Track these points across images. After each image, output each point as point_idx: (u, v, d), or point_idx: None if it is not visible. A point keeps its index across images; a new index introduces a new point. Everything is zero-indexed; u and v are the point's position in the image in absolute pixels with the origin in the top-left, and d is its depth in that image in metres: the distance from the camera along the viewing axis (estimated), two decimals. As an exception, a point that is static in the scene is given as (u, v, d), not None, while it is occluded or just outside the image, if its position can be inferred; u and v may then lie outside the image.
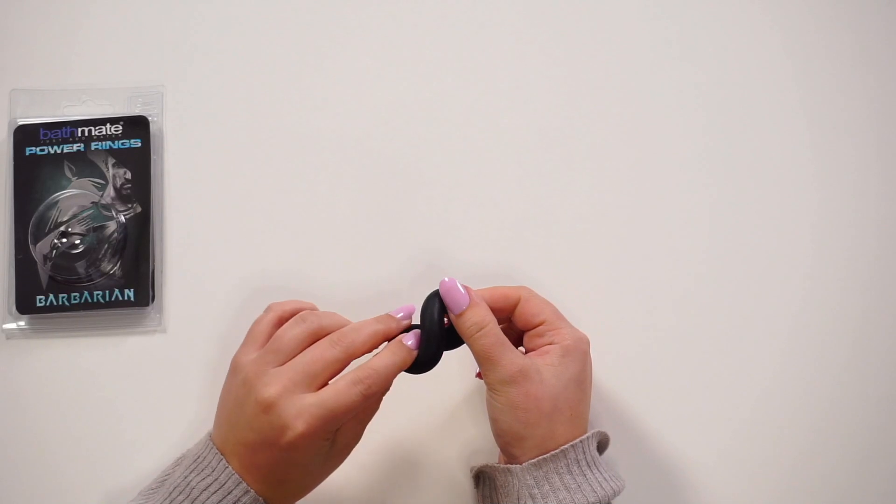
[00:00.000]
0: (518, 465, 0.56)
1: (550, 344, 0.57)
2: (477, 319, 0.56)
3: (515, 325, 0.60)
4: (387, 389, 0.56)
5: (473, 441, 0.66)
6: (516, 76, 0.72)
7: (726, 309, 0.69)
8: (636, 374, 0.68)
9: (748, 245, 0.70)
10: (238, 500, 0.54)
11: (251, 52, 0.72)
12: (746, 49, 0.73)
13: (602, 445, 0.59)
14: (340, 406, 0.53)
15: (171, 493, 0.55)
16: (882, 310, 0.69)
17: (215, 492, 0.54)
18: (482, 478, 0.61)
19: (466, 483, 0.65)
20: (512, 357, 0.56)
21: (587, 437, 0.56)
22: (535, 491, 0.55)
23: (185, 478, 0.55)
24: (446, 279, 0.57)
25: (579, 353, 0.57)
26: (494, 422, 0.57)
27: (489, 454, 0.66)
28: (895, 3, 0.74)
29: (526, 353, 0.59)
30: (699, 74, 0.72)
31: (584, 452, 0.56)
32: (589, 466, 0.56)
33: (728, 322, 0.69)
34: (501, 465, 0.58)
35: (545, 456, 0.55)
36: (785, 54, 0.73)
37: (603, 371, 0.66)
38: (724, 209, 0.70)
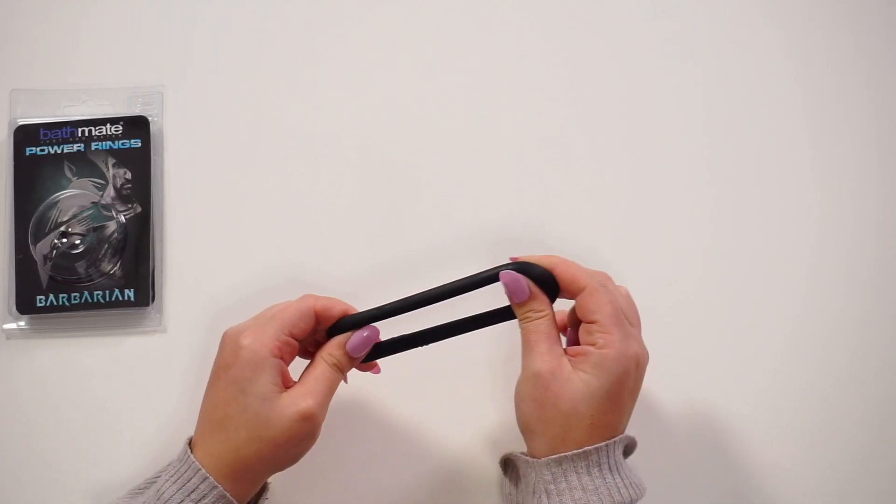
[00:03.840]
0: (538, 459, 0.56)
1: (593, 345, 0.56)
2: (534, 307, 0.57)
3: (577, 313, 0.58)
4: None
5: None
6: (515, 76, 0.72)
7: (726, 309, 0.69)
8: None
9: (748, 245, 0.70)
10: (205, 495, 0.54)
11: (251, 51, 0.72)
12: (746, 49, 0.73)
13: (628, 450, 0.59)
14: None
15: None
16: (882, 309, 0.69)
17: (180, 490, 0.55)
18: (509, 465, 0.62)
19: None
20: (550, 352, 0.56)
21: (613, 441, 0.56)
22: (552, 486, 0.55)
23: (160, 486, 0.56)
24: (507, 271, 0.57)
25: (619, 366, 0.55)
26: (516, 407, 0.57)
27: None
28: (895, 3, 0.74)
29: (576, 343, 0.58)
30: (699, 74, 0.73)
31: (608, 456, 0.55)
32: (611, 470, 0.55)
33: (728, 322, 0.69)
34: (524, 456, 0.58)
35: (567, 454, 0.55)
36: (785, 54, 0.73)
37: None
38: (723, 209, 0.71)
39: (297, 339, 0.57)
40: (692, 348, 0.68)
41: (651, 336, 0.68)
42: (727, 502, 0.67)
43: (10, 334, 0.67)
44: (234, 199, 0.70)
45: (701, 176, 0.71)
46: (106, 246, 0.68)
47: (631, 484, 0.56)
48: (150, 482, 0.58)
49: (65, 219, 0.68)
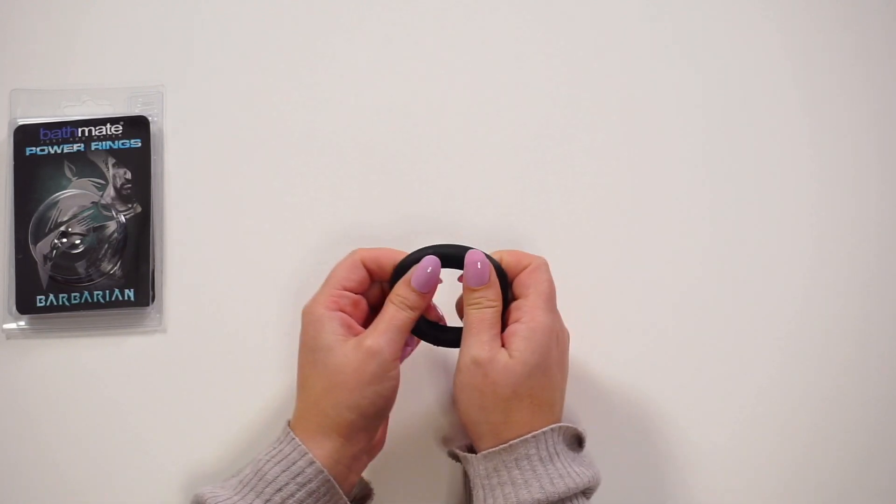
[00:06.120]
0: (472, 455, 0.57)
1: (518, 322, 0.56)
2: (488, 295, 0.57)
3: (513, 292, 0.59)
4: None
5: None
6: (516, 76, 0.72)
7: (726, 308, 0.69)
8: (636, 374, 0.68)
9: (748, 244, 0.70)
10: (302, 471, 0.54)
11: (251, 51, 0.72)
12: (746, 49, 0.73)
13: (581, 440, 0.58)
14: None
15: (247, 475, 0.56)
16: (882, 309, 0.69)
17: (279, 462, 0.55)
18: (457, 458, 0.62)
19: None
20: (492, 341, 0.56)
21: (544, 432, 0.55)
22: (486, 482, 0.56)
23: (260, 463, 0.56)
24: (476, 252, 0.58)
25: (544, 336, 0.56)
26: (455, 399, 0.57)
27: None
28: (895, 4, 0.74)
29: (505, 326, 0.58)
30: (699, 74, 0.72)
31: (538, 447, 0.55)
32: (542, 461, 0.55)
33: (728, 321, 0.69)
34: (461, 452, 0.58)
35: (495, 449, 0.55)
36: (785, 54, 0.73)
37: (601, 369, 0.66)
38: (723, 209, 0.70)
39: (356, 292, 0.58)
40: (692, 348, 0.68)
41: (651, 335, 0.69)
42: (727, 501, 0.67)
43: (10, 334, 0.67)
44: (234, 198, 0.70)
45: (700, 176, 0.71)
46: (106, 246, 0.68)
47: (568, 474, 0.55)
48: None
49: (65, 219, 0.68)
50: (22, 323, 0.67)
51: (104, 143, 0.69)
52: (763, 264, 0.70)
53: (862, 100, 0.72)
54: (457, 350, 0.58)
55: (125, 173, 0.69)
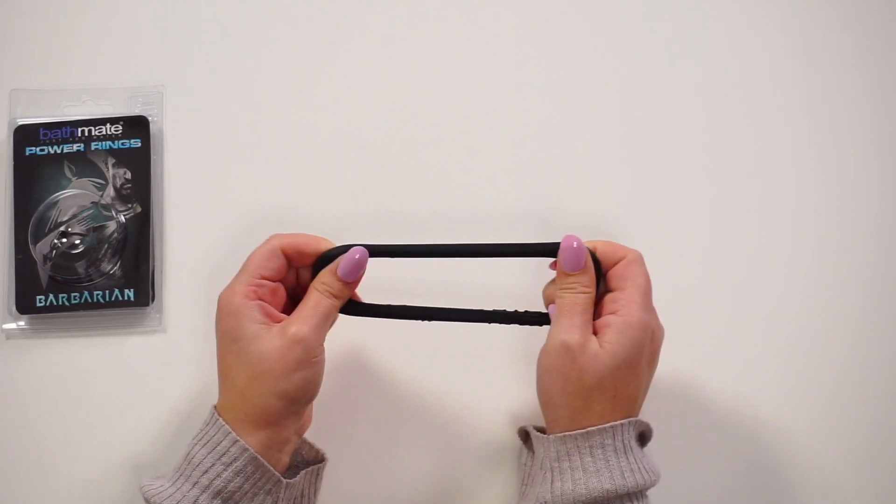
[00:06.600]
0: (547, 436, 0.56)
1: (614, 314, 0.56)
2: (582, 281, 0.57)
3: (606, 285, 0.59)
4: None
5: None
6: (516, 75, 0.72)
7: (726, 308, 0.69)
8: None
9: (747, 244, 0.70)
10: (227, 451, 0.55)
11: (251, 51, 0.72)
12: (746, 49, 0.73)
13: (645, 437, 0.58)
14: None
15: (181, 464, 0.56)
16: (882, 309, 0.69)
17: (205, 445, 0.55)
18: (527, 437, 0.62)
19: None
20: (584, 326, 0.56)
21: (622, 424, 0.55)
22: (556, 464, 0.55)
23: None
24: (572, 236, 0.57)
25: (638, 332, 0.55)
26: (539, 379, 0.57)
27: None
28: (895, 3, 0.74)
29: (598, 317, 0.58)
30: (699, 74, 0.73)
31: (615, 437, 0.55)
32: (616, 453, 0.55)
33: (727, 322, 0.69)
34: (535, 431, 0.58)
35: (572, 433, 0.55)
36: (785, 54, 0.73)
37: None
38: (723, 209, 0.70)
39: (274, 280, 0.58)
40: (692, 348, 0.68)
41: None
42: (727, 501, 0.67)
43: (9, 334, 0.67)
44: (233, 198, 0.70)
45: (701, 175, 0.71)
46: (106, 246, 0.68)
47: (639, 469, 0.55)
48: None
49: (65, 219, 0.68)
50: (22, 323, 0.67)
51: (104, 143, 0.69)
52: (763, 264, 0.70)
53: (862, 100, 0.72)
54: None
55: (125, 173, 0.69)
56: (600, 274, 0.58)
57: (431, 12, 0.73)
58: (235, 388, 0.56)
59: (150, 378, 0.67)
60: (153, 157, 0.69)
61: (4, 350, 0.67)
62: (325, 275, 0.58)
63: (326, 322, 0.57)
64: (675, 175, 0.71)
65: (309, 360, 0.56)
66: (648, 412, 0.68)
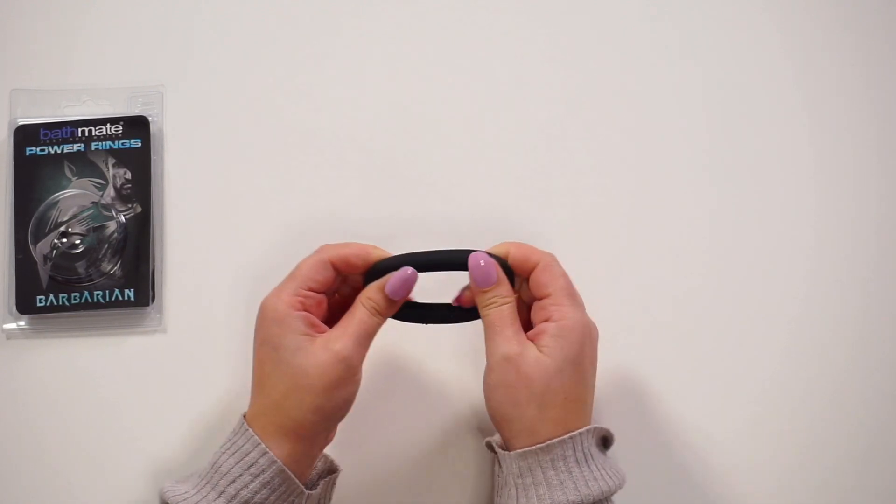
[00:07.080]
0: (507, 452, 0.56)
1: (547, 321, 0.56)
2: (500, 293, 0.56)
3: (529, 292, 0.58)
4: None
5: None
6: (516, 75, 0.72)
7: (726, 308, 0.69)
8: (636, 373, 0.68)
9: (747, 244, 0.70)
10: (255, 462, 0.54)
11: (251, 51, 0.72)
12: (746, 49, 0.73)
13: (607, 441, 0.58)
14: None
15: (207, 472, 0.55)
16: (882, 309, 0.69)
17: (233, 454, 0.55)
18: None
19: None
20: (517, 336, 0.55)
21: (580, 433, 0.55)
22: (519, 481, 0.55)
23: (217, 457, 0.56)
24: (477, 253, 0.57)
25: (576, 334, 0.55)
26: (487, 401, 0.56)
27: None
28: (895, 3, 0.74)
29: (531, 325, 0.57)
30: (699, 74, 0.73)
31: (575, 448, 0.55)
32: (578, 463, 0.55)
33: (727, 321, 0.69)
34: (498, 448, 0.57)
35: (530, 448, 0.54)
36: (785, 54, 0.73)
37: (601, 369, 0.66)
38: (723, 209, 0.70)
39: (320, 292, 0.57)
40: (691, 347, 0.68)
41: (651, 335, 0.69)
42: (726, 500, 0.67)
43: (10, 334, 0.67)
44: (233, 198, 0.70)
45: (701, 175, 0.71)
46: (106, 246, 0.68)
47: (602, 476, 0.55)
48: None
49: (65, 219, 0.68)
50: (22, 323, 0.67)
51: (104, 143, 0.69)
52: (763, 264, 0.70)
53: (862, 100, 0.72)
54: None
55: (125, 173, 0.69)
56: (514, 278, 0.58)
57: (432, 13, 0.73)
58: (270, 397, 0.55)
59: (150, 378, 0.67)
60: (153, 157, 0.69)
61: (4, 350, 0.67)
62: (372, 290, 0.57)
63: (369, 340, 0.56)
64: (675, 175, 0.71)
65: (350, 378, 0.55)
66: (648, 412, 0.68)
